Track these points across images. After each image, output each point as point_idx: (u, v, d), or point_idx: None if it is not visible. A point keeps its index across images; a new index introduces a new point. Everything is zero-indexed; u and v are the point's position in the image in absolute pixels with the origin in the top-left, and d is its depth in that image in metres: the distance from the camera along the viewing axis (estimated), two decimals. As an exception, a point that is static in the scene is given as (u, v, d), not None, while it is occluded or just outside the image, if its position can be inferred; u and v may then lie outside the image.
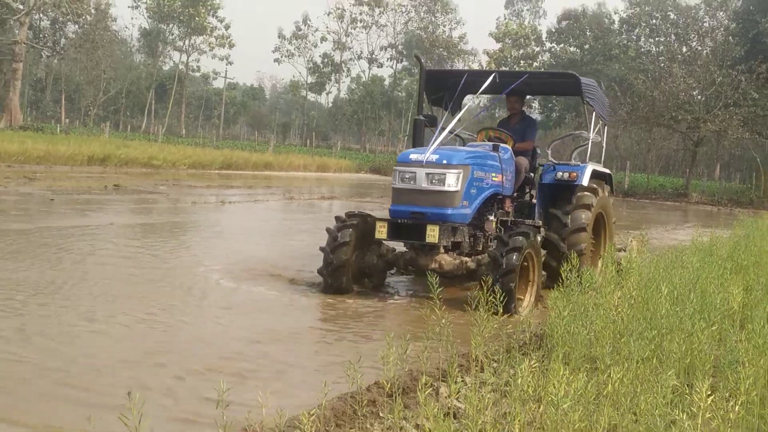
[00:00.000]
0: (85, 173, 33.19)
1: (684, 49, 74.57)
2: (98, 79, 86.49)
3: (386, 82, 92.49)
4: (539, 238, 9.73)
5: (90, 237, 14.26)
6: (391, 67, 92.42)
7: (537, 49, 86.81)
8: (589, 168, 11.09)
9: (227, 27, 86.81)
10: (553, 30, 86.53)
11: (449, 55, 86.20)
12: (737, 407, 4.34)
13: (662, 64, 67.25)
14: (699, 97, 56.12)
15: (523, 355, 5.89)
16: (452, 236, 9.32)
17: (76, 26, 76.38)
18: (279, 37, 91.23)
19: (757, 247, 11.62)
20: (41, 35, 74.09)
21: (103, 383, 5.99)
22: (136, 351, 7.01)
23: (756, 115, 54.05)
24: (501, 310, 7.12)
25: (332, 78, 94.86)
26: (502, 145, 10.31)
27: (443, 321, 5.95)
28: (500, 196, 10.33)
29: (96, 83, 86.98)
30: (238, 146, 68.17)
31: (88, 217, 18.05)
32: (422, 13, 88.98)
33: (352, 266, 9.65)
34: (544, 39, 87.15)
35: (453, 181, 9.08)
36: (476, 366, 6.05)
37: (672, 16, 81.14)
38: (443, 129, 10.48)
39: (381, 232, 9.26)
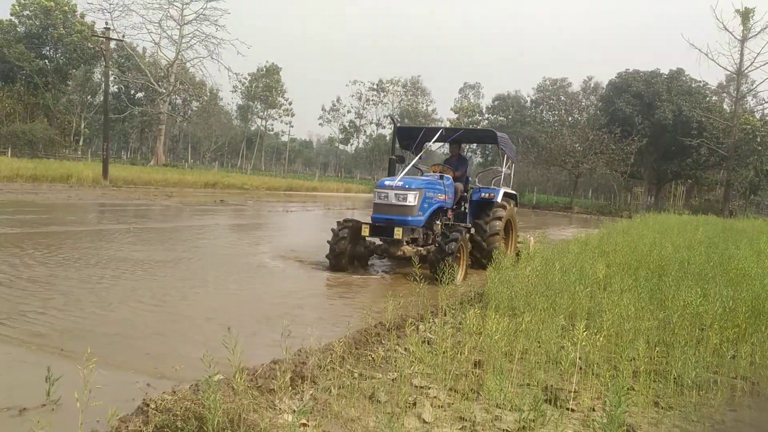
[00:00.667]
0: (202, 193, 33.18)
1: (570, 119, 74.75)
2: (211, 135, 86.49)
3: (387, 138, 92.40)
4: (467, 235, 9.81)
5: (204, 232, 14.26)
6: (390, 128, 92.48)
7: (480, 117, 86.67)
8: (502, 191, 11.31)
9: (290, 103, 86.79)
10: (489, 106, 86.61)
11: (426, 121, 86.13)
12: (601, 338, 4.35)
13: (556, 127, 67.19)
14: (579, 147, 56.11)
15: (470, 305, 5.89)
16: (411, 234, 9.54)
17: (198, 102, 76.42)
18: (322, 110, 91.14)
19: (613, 240, 11.61)
20: (176, 108, 74.05)
21: (206, 327, 5.98)
22: (219, 306, 7.00)
23: (613, 159, 54.13)
24: (443, 280, 7.77)
25: (354, 135, 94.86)
26: (445, 174, 10.55)
27: (420, 286, 5.96)
28: (445, 208, 10.43)
29: (209, 137, 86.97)
30: (296, 177, 68.20)
31: (204, 219, 18.03)
32: (409, 96, 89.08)
33: (348, 253, 9.66)
34: (483, 111, 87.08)
35: (412, 199, 9.33)
36: (441, 312, 6.06)
37: (562, 98, 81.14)
38: (407, 165, 10.80)
39: (365, 231, 9.52)
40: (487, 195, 11.12)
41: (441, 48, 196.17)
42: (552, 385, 4.24)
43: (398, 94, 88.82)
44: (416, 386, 4.16)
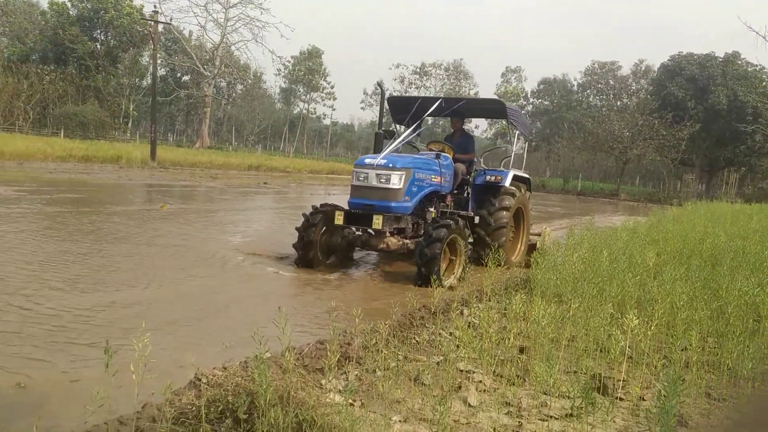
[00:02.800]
0: (246, 175, 33.67)
1: (618, 103, 72.97)
2: (254, 118, 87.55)
3: (429, 122, 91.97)
4: (462, 225, 7.99)
5: (249, 213, 14.49)
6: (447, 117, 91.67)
7: (524, 102, 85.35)
8: (511, 173, 9.57)
9: (332, 87, 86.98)
10: (534, 90, 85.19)
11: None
12: (653, 327, 4.27)
13: (603, 112, 65.75)
14: (627, 133, 54.89)
15: (515, 291, 5.84)
16: (396, 224, 8.01)
17: (242, 86, 77.32)
18: (364, 93, 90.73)
19: (663, 228, 11.33)
20: (221, 91, 75.05)
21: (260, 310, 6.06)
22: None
23: (663, 145, 52.80)
24: (423, 274, 7.22)
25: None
26: (443, 153, 8.93)
27: (467, 274, 5.94)
28: (441, 193, 8.83)
29: (252, 121, 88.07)
30: (338, 160, 68.53)
31: (248, 202, 18.32)
32: (451, 79, 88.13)
33: (322, 245, 8.23)
34: (528, 96, 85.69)
35: (396, 181, 7.75)
36: (486, 298, 6.03)
37: (611, 82, 79.25)
38: (395, 141, 9.00)
39: (339, 219, 7.95)
40: (492, 178, 9.38)
41: (486, 30, 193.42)
42: (600, 374, 4.18)
43: (440, 77, 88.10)
44: (461, 370, 4.16)
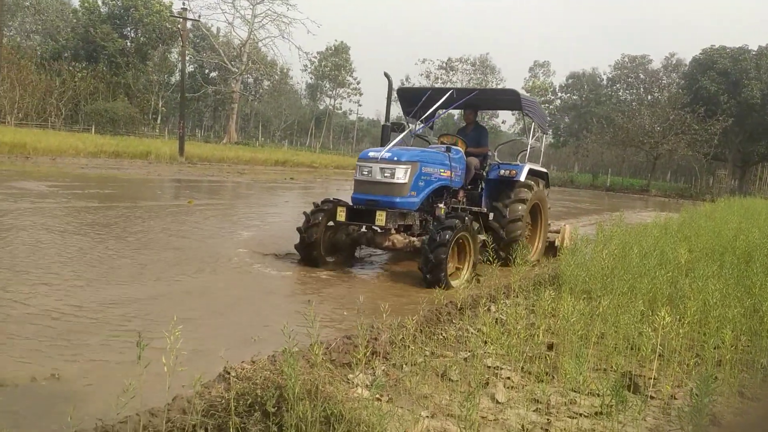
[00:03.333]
0: (273, 170, 33.91)
1: (649, 97, 71.82)
2: (280, 114, 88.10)
3: (455, 117, 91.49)
4: (475, 223, 7.75)
5: (274, 208, 14.59)
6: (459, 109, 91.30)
7: (552, 96, 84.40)
8: (527, 167, 9.10)
9: (358, 83, 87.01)
10: (563, 85, 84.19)
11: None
12: (685, 324, 4.20)
13: (634, 106, 64.79)
14: (658, 128, 54.02)
15: (544, 287, 5.79)
16: (402, 220, 7.60)
17: (269, 82, 77.81)
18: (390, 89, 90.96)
19: (696, 225, 11.14)
20: (248, 87, 75.63)
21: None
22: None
23: (695, 140, 51.87)
24: (428, 280, 6.81)
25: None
26: (453, 147, 8.48)
27: (492, 270, 5.90)
28: (452, 188, 8.44)
29: (279, 116, 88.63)
30: (363, 156, 68.42)
31: (275, 197, 18.44)
32: (478, 74, 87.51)
33: (326, 243, 7.92)
34: (556, 90, 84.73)
35: (401, 175, 7.35)
36: (514, 294, 5.99)
37: (641, 75, 77.98)
38: (403, 133, 8.68)
39: (341, 215, 7.59)
40: (507, 172, 9.00)
41: (513, 26, 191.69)
42: (630, 371, 4.13)
43: (467, 72, 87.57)
44: (488, 366, 4.14)
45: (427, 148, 8.62)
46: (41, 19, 64.12)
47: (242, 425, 2.82)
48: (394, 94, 8.97)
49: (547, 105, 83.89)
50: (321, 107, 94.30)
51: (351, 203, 7.74)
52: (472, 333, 4.93)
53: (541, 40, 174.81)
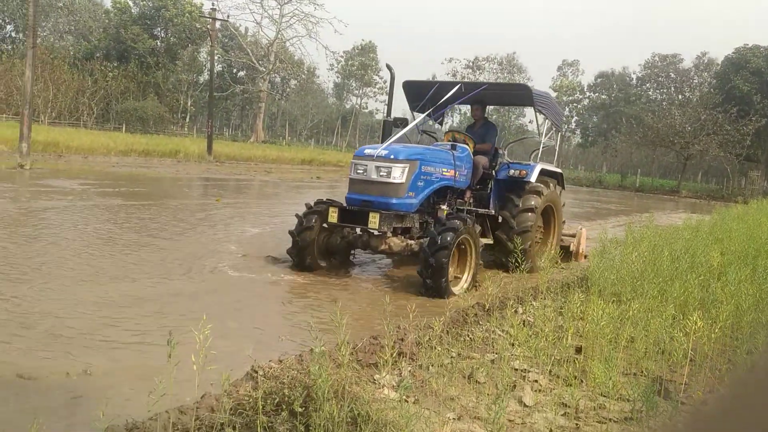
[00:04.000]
0: (299, 169, 34.08)
1: (680, 97, 70.62)
2: (307, 113, 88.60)
3: (468, 114, 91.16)
4: (477, 226, 7.17)
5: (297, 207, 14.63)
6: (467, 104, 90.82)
7: (580, 95, 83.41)
8: (538, 167, 8.57)
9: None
10: (591, 84, 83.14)
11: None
12: (717, 329, 4.11)
13: (664, 106, 63.76)
14: (689, 128, 53.05)
15: (572, 290, 5.72)
16: (399, 222, 7.04)
17: (296, 81, 78.22)
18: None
19: (728, 227, 10.90)
20: (275, 86, 76.15)
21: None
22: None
23: (727, 140, 50.85)
24: (429, 286, 6.44)
25: (449, 113, 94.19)
26: (459, 144, 7.93)
27: (520, 271, 5.85)
28: (457, 189, 7.99)
29: (306, 115, 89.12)
30: (389, 155, 68.45)
31: (301, 196, 18.53)
32: (505, 73, 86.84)
33: (320, 246, 7.44)
34: (584, 89, 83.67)
35: (398, 174, 6.82)
36: (541, 296, 5.93)
37: (672, 74, 76.69)
38: (404, 129, 8.08)
39: (333, 216, 7.05)
40: (517, 173, 8.42)
41: (539, 25, 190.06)
42: (661, 377, 4.06)
43: (494, 71, 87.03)
44: (516, 369, 4.11)
45: (430, 146, 8.19)
46: (74, 20, 65.41)
47: (269, 424, 2.83)
48: (399, 88, 8.83)
49: (575, 104, 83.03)
50: (347, 106, 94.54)
51: (346, 203, 7.20)
52: (499, 335, 4.90)
53: (569, 38, 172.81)
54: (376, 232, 6.93)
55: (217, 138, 52.56)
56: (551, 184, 8.92)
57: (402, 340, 4.33)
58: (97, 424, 2.34)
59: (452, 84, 8.71)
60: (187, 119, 65.59)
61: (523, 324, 4.93)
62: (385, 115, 8.28)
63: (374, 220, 6.65)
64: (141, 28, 56.14)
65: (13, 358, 3.85)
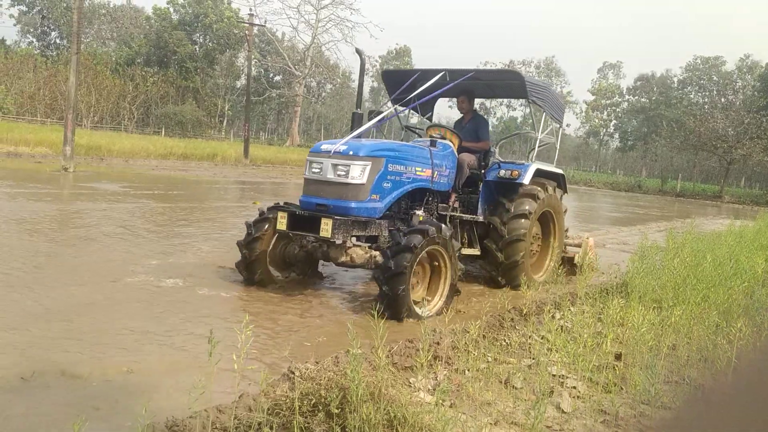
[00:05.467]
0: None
1: (722, 100, 69.02)
2: (342, 117, 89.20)
3: (518, 121, 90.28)
4: (450, 233, 5.94)
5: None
6: (522, 111, 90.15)
7: (619, 99, 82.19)
8: (534, 167, 7.49)
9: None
10: (631, 87, 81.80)
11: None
12: (763, 337, 4.00)
13: (706, 110, 62.37)
14: (731, 132, 51.78)
15: (612, 296, 5.63)
16: (362, 230, 5.98)
17: (331, 85, 78.85)
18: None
19: (774, 233, 10.63)
20: (311, 90, 76.85)
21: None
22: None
23: (773, 145, 49.52)
24: (388, 301, 5.28)
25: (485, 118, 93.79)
26: (440, 141, 7.06)
27: (557, 277, 5.77)
28: (437, 191, 6.95)
29: (341, 119, 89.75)
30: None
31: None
32: (542, 76, 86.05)
33: (277, 257, 6.49)
34: (624, 92, 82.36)
35: (357, 173, 5.81)
36: (579, 301, 5.85)
37: (714, 77, 75.01)
38: (374, 120, 7.03)
39: (281, 223, 5.97)
40: (508, 173, 7.32)
41: (580, 28, 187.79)
42: (704, 385, 3.96)
43: (530, 75, 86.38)
44: (553, 375, 4.06)
45: (405, 142, 7.34)
46: (116, 27, 67.20)
47: (306, 425, 2.85)
48: (367, 78, 8.51)
49: (613, 108, 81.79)
50: (383, 110, 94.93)
51: (300, 207, 6.18)
52: (536, 340, 4.84)
53: (609, 41, 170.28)
54: (338, 241, 5.86)
55: (254, 142, 53.25)
56: (550, 187, 7.83)
57: (438, 343, 4.32)
58: (139, 421, 2.39)
59: (435, 72, 7.54)
60: (225, 123, 66.66)
61: (561, 329, 4.87)
62: (356, 107, 7.20)
63: (326, 227, 5.59)
64: (181, 34, 57.36)
65: (57, 355, 3.96)
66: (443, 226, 5.88)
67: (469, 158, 7.40)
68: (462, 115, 8.17)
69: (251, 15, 37.17)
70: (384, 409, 2.86)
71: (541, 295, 5.87)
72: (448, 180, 7.03)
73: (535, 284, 6.81)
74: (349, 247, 5.92)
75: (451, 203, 7.19)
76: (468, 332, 4.27)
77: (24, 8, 68.46)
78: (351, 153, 5.89)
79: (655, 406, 3.56)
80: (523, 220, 7.15)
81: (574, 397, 3.76)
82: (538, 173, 7.63)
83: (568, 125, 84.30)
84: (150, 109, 55.47)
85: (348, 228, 5.77)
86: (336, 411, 2.83)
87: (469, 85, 7.89)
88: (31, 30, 69.44)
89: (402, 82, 7.90)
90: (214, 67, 61.92)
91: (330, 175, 5.90)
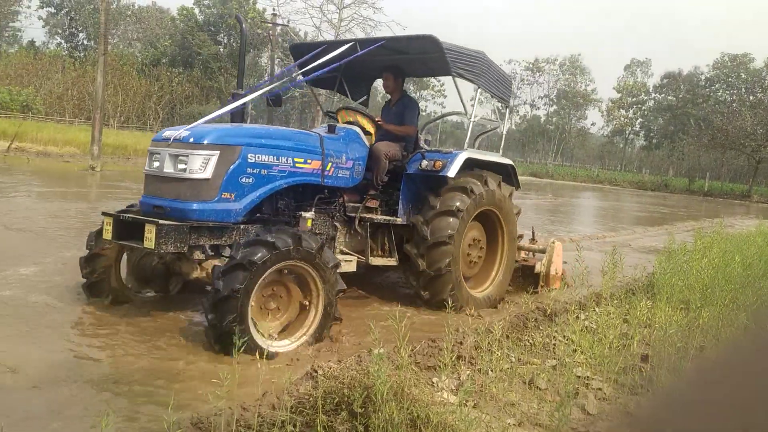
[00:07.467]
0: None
1: (750, 98, 67.71)
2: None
3: (542, 119, 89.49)
4: (316, 246, 4.48)
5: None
6: (545, 110, 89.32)
7: (645, 97, 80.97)
8: (463, 156, 6.05)
9: (442, 85, 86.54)
10: (657, 85, 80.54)
11: (584, 102, 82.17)
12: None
13: (734, 108, 61.22)
14: (760, 130, 50.84)
15: (637, 296, 5.56)
16: (217, 239, 4.68)
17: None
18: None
19: (805, 234, 10.39)
20: (333, 90, 76.95)
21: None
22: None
23: (802, 143, 48.59)
24: (217, 333, 4.09)
25: (507, 116, 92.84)
26: (341, 126, 5.92)
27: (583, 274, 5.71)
28: (337, 188, 5.67)
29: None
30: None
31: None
32: (566, 75, 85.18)
33: (134, 270, 5.35)
34: (650, 90, 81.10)
35: (198, 166, 4.55)
36: (604, 302, 5.78)
37: (743, 75, 73.55)
38: (243, 103, 5.63)
39: (107, 231, 4.67)
40: (430, 164, 5.97)
41: (608, 26, 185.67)
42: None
43: (554, 73, 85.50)
44: (578, 376, 4.01)
45: (281, 127, 6.32)
46: (142, 28, 68.06)
47: (329, 423, 2.86)
48: (249, 46, 6.92)
49: (639, 106, 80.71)
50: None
51: (141, 210, 4.90)
52: (560, 341, 4.80)
53: (637, 38, 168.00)
54: (197, 255, 4.70)
55: (277, 141, 53.65)
56: (491, 181, 6.30)
57: (461, 343, 4.31)
58: (165, 417, 2.42)
59: (344, 41, 6.35)
60: (248, 122, 67.07)
61: (586, 330, 4.82)
62: (237, 87, 5.98)
63: (149, 235, 4.35)
64: (204, 36, 57.94)
65: (91, 352, 4.02)
66: (306, 235, 4.54)
67: (387, 148, 6.08)
68: (390, 97, 6.81)
69: (274, 15, 37.40)
70: (407, 409, 2.85)
71: (565, 295, 5.80)
72: (353, 174, 5.72)
73: (472, 301, 6.01)
74: (202, 261, 4.76)
75: (369, 204, 5.97)
76: (491, 332, 4.24)
77: (52, 10, 69.64)
78: (192, 140, 4.65)
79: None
80: (450, 218, 5.82)
81: (599, 399, 3.72)
82: (474, 164, 6.28)
83: (593, 124, 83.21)
84: (175, 108, 56.06)
85: (183, 236, 4.45)
86: (359, 410, 2.82)
87: (395, 61, 6.67)
88: (60, 31, 70.66)
89: (311, 57, 6.35)
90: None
91: (168, 169, 4.68)
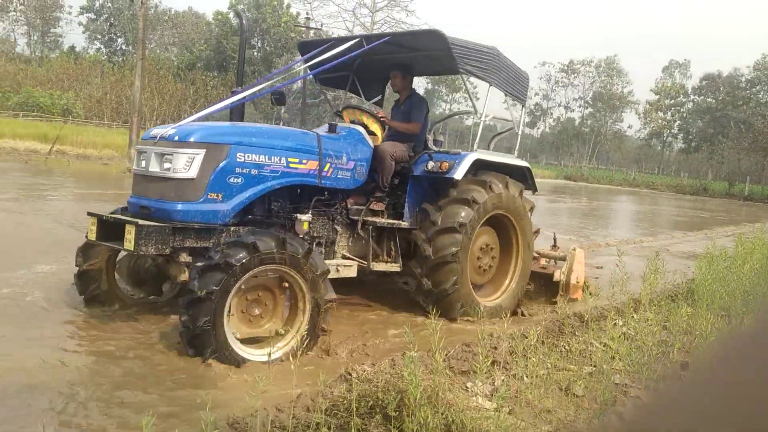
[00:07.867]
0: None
1: (795, 100, 65.99)
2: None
3: (576, 122, 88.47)
4: (302, 251, 4.34)
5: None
6: (580, 112, 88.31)
7: (684, 99, 79.37)
8: (472, 157, 5.80)
9: (475, 87, 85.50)
10: (696, 86, 78.87)
11: (620, 104, 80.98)
12: None
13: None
14: (805, 133, 49.54)
15: (677, 303, 5.44)
16: (204, 241, 4.48)
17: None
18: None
19: None
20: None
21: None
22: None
23: None
24: (191, 337, 3.97)
25: (541, 118, 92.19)
26: (344, 125, 5.73)
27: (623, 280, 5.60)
28: (336, 190, 5.42)
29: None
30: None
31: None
32: (602, 77, 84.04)
33: (129, 272, 5.24)
34: (689, 92, 79.47)
35: (182, 165, 4.41)
36: (642, 308, 5.67)
37: (786, 76, 71.68)
38: (241, 99, 5.60)
39: (92, 231, 4.66)
40: (437, 166, 5.71)
41: (645, 28, 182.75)
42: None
43: (590, 75, 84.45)
44: (616, 384, 3.94)
45: (272, 125, 5.53)
46: (178, 32, 69.35)
47: (363, 426, 2.86)
48: (249, 41, 6.73)
49: (677, 108, 79.17)
50: (437, 112, 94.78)
51: (129, 210, 4.87)
52: (597, 347, 4.72)
53: (674, 39, 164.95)
54: (184, 257, 4.48)
55: (310, 144, 54.09)
56: (496, 184, 5.91)
57: (495, 348, 4.27)
58: (202, 418, 2.45)
59: (350, 38, 6.18)
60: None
61: (624, 337, 4.74)
62: (236, 85, 5.83)
63: (129, 236, 4.25)
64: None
65: (121, 351, 4.10)
66: (292, 238, 4.42)
67: (393, 148, 5.82)
68: (399, 96, 6.60)
69: (308, 19, 37.75)
70: (442, 414, 2.83)
71: (602, 301, 5.71)
72: (354, 175, 5.47)
73: (486, 312, 5.66)
74: (189, 264, 4.45)
75: (373, 207, 5.73)
76: (526, 337, 4.20)
77: (92, 16, 71.46)
78: (177, 138, 4.53)
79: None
80: (455, 235, 5.50)
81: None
82: (483, 165, 5.99)
83: (629, 126, 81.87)
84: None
85: (165, 237, 4.31)
86: (393, 414, 2.82)
87: (404, 59, 6.52)
88: (99, 37, 72.41)
89: (319, 54, 6.22)
90: (271, 71, 63.08)
91: (154, 168, 4.57)
